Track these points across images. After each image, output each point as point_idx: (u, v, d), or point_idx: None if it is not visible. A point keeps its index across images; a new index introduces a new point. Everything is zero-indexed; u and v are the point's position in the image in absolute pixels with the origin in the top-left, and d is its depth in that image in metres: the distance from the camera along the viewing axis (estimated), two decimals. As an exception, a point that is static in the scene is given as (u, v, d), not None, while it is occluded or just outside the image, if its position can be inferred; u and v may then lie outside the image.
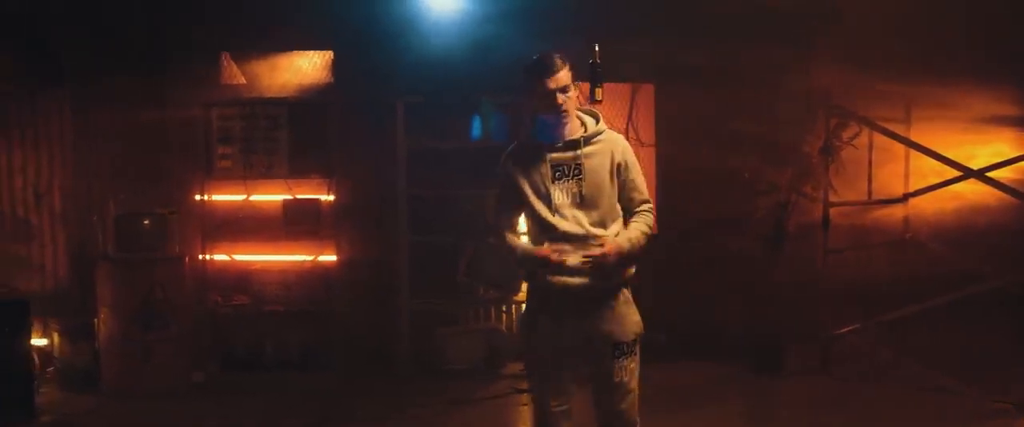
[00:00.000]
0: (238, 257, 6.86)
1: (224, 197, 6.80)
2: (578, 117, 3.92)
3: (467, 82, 6.90)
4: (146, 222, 6.37)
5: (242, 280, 6.81)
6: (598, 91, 3.81)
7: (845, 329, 7.05)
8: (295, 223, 6.64)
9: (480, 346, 6.78)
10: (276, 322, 6.70)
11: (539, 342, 3.91)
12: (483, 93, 6.92)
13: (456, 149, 6.83)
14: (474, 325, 6.91)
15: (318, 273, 6.72)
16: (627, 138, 7.37)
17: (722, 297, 7.33)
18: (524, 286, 6.74)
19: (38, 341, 6.62)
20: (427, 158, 6.75)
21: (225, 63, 7.04)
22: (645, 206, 3.90)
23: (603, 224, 3.82)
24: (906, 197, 7.45)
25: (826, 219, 6.85)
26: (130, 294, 6.28)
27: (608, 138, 3.89)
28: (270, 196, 6.76)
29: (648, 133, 7.62)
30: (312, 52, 7.08)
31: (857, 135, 6.71)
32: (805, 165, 6.65)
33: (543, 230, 3.86)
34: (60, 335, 6.49)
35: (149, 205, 6.57)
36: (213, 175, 6.65)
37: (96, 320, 6.39)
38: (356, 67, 7.01)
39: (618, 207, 3.87)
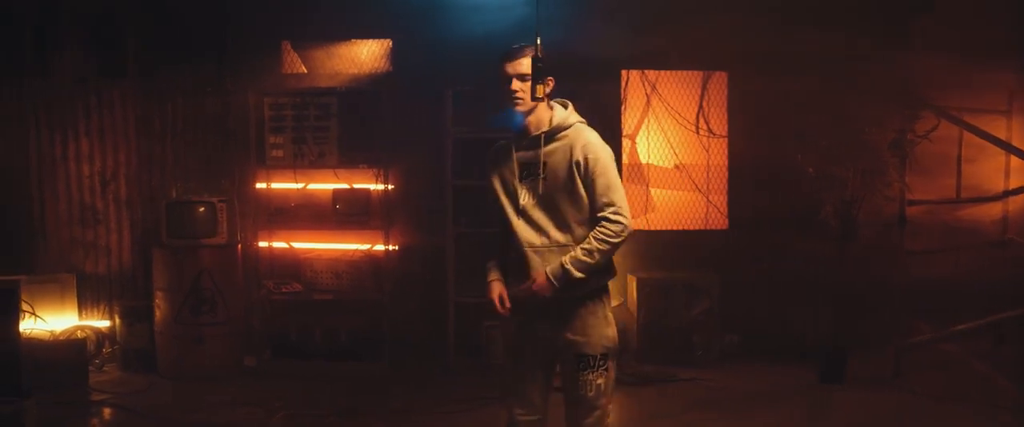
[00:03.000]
0: (291, 245, 6.90)
1: (277, 185, 6.83)
2: (555, 110, 3.68)
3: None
4: (198, 209, 6.48)
5: (294, 268, 6.84)
6: (540, 89, 3.57)
7: (921, 337, 6.50)
8: (345, 212, 6.61)
9: (528, 342, 6.58)
10: (327, 310, 6.69)
11: (506, 348, 3.73)
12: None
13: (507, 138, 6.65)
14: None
15: (368, 263, 6.67)
16: (697, 129, 7.16)
17: (793, 298, 6.91)
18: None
19: (100, 323, 6.88)
20: (477, 148, 6.58)
21: (286, 52, 7.08)
22: (608, 212, 3.55)
23: (569, 228, 3.59)
24: (1005, 194, 6.82)
25: (902, 217, 6.31)
26: (180, 279, 6.42)
27: (572, 134, 3.63)
28: (321, 185, 6.76)
29: (720, 124, 7.23)
30: (371, 41, 7.04)
31: (934, 129, 6.15)
32: (876, 160, 6.13)
33: (505, 235, 3.69)
34: (120, 317, 6.67)
35: (202, 193, 6.69)
36: (266, 164, 6.70)
37: (153, 303, 6.57)
38: (411, 55, 6.93)
39: (591, 207, 3.61)
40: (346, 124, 6.59)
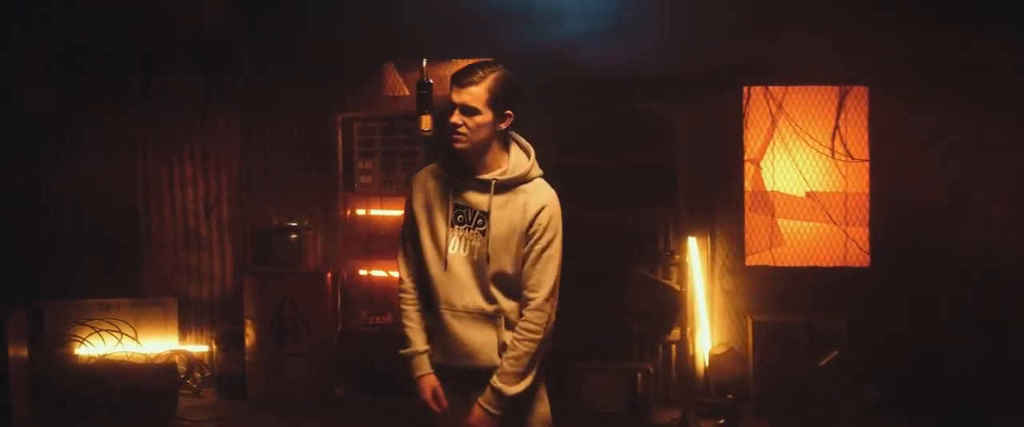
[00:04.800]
0: (390, 274, 6.63)
1: (368, 212, 6.58)
2: (512, 152, 3.11)
3: (612, 88, 6.15)
4: (282, 236, 6.34)
5: (385, 298, 6.56)
6: (425, 120, 3.04)
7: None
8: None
9: (623, 388, 5.95)
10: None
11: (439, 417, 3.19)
12: (632, 101, 6.14)
13: (597, 166, 6.10)
14: (617, 364, 6.08)
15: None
16: (831, 152, 6.28)
17: (940, 347, 5.91)
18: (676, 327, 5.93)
19: (198, 348, 6.87)
20: (563, 175, 6.06)
21: (388, 74, 6.84)
22: (539, 297, 3.01)
23: (495, 298, 3.04)
24: None
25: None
26: (264, 308, 6.28)
27: (532, 190, 3.05)
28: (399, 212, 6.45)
29: (859, 146, 6.32)
30: (471, 61, 6.65)
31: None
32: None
33: (427, 289, 3.14)
34: (217, 343, 6.64)
35: (301, 218, 6.55)
36: (355, 189, 6.47)
37: (244, 330, 6.48)
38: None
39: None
40: (433, 148, 6.26)
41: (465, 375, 3.08)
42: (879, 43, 6.01)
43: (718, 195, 6.41)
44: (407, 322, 3.19)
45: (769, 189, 6.42)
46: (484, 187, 3.05)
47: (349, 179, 6.49)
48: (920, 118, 6.07)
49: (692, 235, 6.29)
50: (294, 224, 6.43)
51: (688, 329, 6.19)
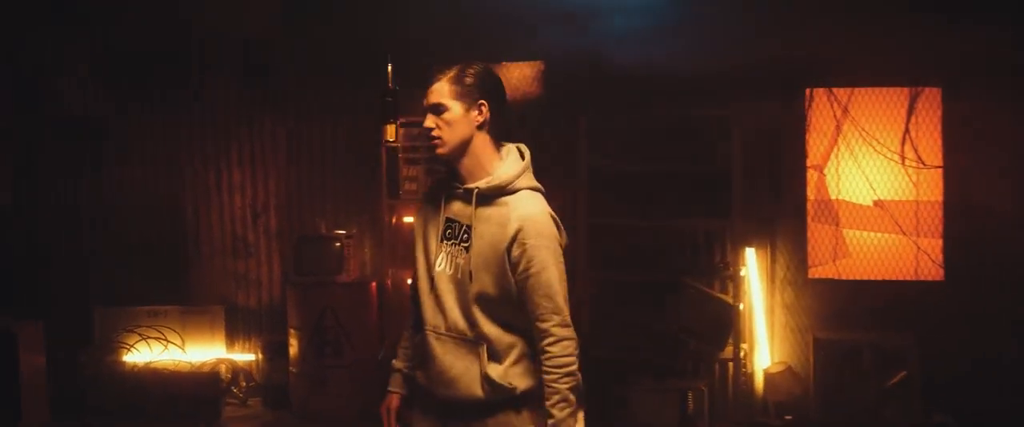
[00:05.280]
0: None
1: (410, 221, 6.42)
2: (505, 157, 2.84)
3: (666, 90, 5.86)
4: (323, 245, 6.21)
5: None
6: (389, 130, 2.82)
7: None
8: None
9: (673, 407, 5.64)
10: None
11: None
12: (694, 107, 5.84)
13: (648, 172, 5.82)
14: (667, 381, 5.77)
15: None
16: (901, 158, 5.88)
17: (1020, 370, 5.48)
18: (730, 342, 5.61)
19: (245, 356, 6.79)
20: (612, 182, 5.81)
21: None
22: (552, 324, 2.70)
23: (477, 322, 2.76)
24: None
25: None
26: (306, 318, 6.16)
27: (514, 202, 2.75)
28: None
29: (931, 152, 5.90)
30: (523, 63, 6.45)
31: None
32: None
33: (414, 310, 2.94)
34: (263, 352, 6.56)
35: (341, 226, 6.42)
36: (400, 197, 6.30)
37: (288, 340, 6.38)
38: (559, 78, 6.25)
39: (515, 304, 2.75)
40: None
41: (447, 406, 2.84)
42: (953, 40, 5.60)
43: (779, 204, 6.07)
44: (403, 339, 3.06)
45: (834, 197, 6.04)
46: (469, 197, 2.80)
47: (394, 186, 6.32)
48: (998, 121, 5.67)
49: (750, 246, 5.96)
50: (342, 232, 6.31)
51: (745, 346, 5.87)
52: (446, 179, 2.90)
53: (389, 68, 2.81)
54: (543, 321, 2.70)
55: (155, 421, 6.00)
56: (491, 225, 2.74)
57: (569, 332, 2.71)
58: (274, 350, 6.50)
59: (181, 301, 6.72)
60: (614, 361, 5.78)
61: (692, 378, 5.86)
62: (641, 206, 5.78)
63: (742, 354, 5.82)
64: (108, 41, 6.63)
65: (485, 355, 2.75)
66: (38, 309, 6.19)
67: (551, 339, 2.69)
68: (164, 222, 6.82)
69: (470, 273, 2.74)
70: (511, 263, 2.71)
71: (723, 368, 5.99)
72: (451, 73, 2.76)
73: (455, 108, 2.74)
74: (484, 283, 2.74)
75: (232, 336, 6.79)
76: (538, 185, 2.85)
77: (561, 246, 2.77)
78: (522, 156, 2.86)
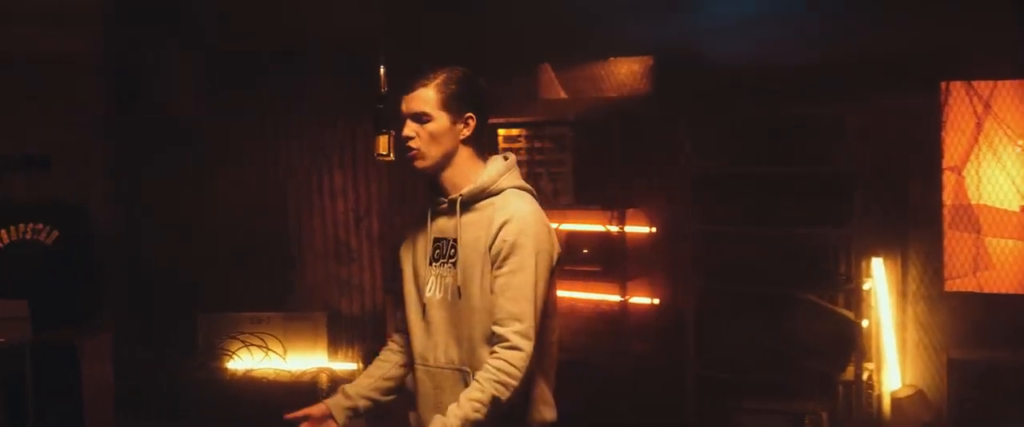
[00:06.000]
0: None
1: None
2: (489, 165, 2.63)
3: (779, 85, 5.38)
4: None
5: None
6: (381, 141, 2.59)
7: None
8: (574, 261, 5.73)
9: (787, 432, 5.20)
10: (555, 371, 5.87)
11: None
12: (803, 100, 5.35)
13: (759, 175, 5.36)
14: (781, 404, 5.29)
15: (601, 318, 5.74)
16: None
17: None
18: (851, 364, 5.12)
19: (347, 365, 6.68)
20: (719, 186, 5.37)
21: (545, 75, 6.37)
22: (510, 330, 2.41)
23: (474, 346, 2.51)
24: None
25: None
26: (400, 328, 6.01)
27: (500, 203, 2.52)
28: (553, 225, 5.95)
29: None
30: (631, 58, 6.09)
31: None
32: None
33: (407, 341, 2.73)
34: (363, 360, 6.44)
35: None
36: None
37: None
38: (668, 75, 5.86)
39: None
40: (582, 157, 5.74)
41: None
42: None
43: (910, 209, 5.51)
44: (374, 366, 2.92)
45: (974, 202, 5.42)
46: (453, 209, 2.57)
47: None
48: None
49: (877, 256, 5.43)
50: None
51: (870, 366, 5.35)
52: (428, 196, 2.68)
53: (382, 70, 2.59)
54: (501, 325, 2.43)
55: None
56: (476, 229, 2.52)
57: (528, 345, 2.42)
58: (372, 358, 6.36)
59: (284, 307, 6.68)
60: (723, 381, 5.37)
61: (810, 401, 5.35)
62: (752, 212, 5.34)
63: (866, 376, 5.30)
64: (211, 47, 6.62)
65: None
66: (140, 315, 6.25)
67: (507, 344, 2.42)
68: (267, 227, 6.80)
69: (458, 289, 2.50)
70: (492, 264, 2.46)
71: (846, 390, 5.47)
72: (438, 79, 2.56)
73: (440, 119, 2.54)
74: (474, 298, 2.49)
75: (335, 343, 6.70)
76: (526, 185, 2.62)
77: (551, 256, 2.50)
78: (504, 157, 2.65)
